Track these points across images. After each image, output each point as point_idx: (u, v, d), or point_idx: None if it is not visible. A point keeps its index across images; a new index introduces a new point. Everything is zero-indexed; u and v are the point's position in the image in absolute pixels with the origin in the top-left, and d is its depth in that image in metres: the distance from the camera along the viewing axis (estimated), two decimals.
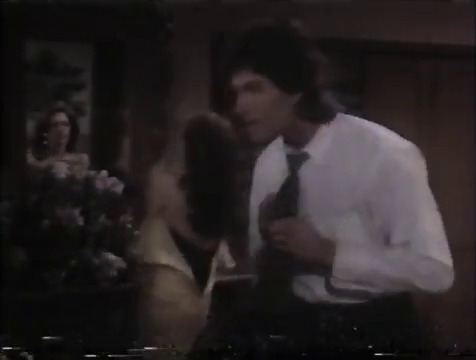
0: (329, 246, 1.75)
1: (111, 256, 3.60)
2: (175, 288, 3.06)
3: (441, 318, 4.56)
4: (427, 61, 5.02)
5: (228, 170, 3.08)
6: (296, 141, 1.84)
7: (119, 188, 3.75)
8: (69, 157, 4.12)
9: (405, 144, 1.80)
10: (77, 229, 3.56)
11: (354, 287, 1.76)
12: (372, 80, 4.83)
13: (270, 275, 1.98)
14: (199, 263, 3.11)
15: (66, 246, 3.52)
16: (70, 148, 4.18)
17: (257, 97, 1.78)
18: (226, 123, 3.12)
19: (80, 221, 3.57)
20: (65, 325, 3.11)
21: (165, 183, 3.09)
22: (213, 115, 3.15)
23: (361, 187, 1.76)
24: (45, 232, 3.51)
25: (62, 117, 4.17)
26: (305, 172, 1.83)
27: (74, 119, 4.20)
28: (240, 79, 1.79)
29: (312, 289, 1.85)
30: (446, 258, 1.76)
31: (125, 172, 4.12)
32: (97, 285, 3.54)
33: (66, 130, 4.16)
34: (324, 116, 1.84)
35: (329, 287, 1.80)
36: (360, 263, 1.73)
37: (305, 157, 1.83)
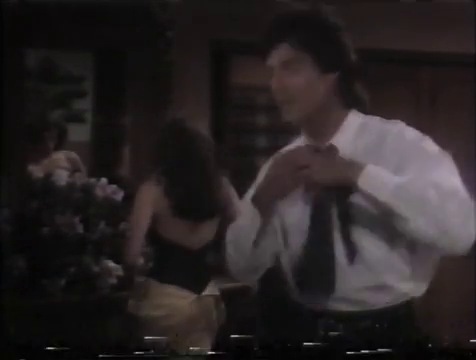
0: (356, 164, 1.72)
1: (111, 263, 3.61)
2: (170, 293, 3.08)
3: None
4: (426, 69, 5.04)
5: (200, 168, 3.14)
6: (322, 132, 1.84)
7: (119, 196, 3.76)
8: (57, 156, 4.15)
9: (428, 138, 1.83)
10: (77, 236, 3.57)
11: (373, 211, 1.72)
12: (371, 88, 4.84)
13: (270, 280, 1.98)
14: (191, 264, 3.13)
15: (66, 253, 3.53)
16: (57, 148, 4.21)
17: (294, 76, 1.78)
18: (204, 131, 3.24)
19: (80, 229, 3.58)
20: (64, 332, 3.11)
21: (148, 190, 3.12)
22: (188, 122, 3.22)
23: (386, 165, 1.75)
24: (45, 239, 3.51)
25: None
26: None
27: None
28: (279, 56, 1.79)
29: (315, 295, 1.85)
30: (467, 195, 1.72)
31: (125, 179, 4.13)
32: (97, 292, 3.54)
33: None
34: (356, 103, 1.85)
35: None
36: (388, 178, 1.70)
37: (332, 149, 1.83)
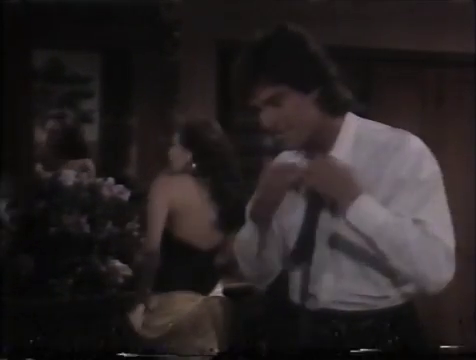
0: (352, 188, 1.73)
1: (118, 263, 3.62)
2: (177, 300, 3.08)
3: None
4: (431, 69, 5.03)
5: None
6: (321, 146, 1.84)
7: (126, 195, 3.77)
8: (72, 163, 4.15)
9: (427, 149, 1.82)
10: (84, 236, 3.57)
11: (355, 241, 1.75)
12: (377, 87, 4.84)
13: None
14: (200, 264, 3.14)
15: (73, 253, 3.53)
16: (76, 155, 4.19)
17: (281, 108, 1.77)
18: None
19: (87, 228, 3.59)
20: (72, 332, 3.12)
21: (171, 185, 3.11)
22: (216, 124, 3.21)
23: (382, 184, 1.77)
24: (52, 239, 3.52)
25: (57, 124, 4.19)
26: None
27: (73, 127, 4.23)
28: (260, 95, 1.77)
29: (315, 296, 1.86)
30: (451, 242, 1.75)
31: (132, 179, 4.14)
32: (104, 292, 3.55)
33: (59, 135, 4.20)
34: (343, 106, 1.84)
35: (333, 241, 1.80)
36: (375, 214, 1.72)
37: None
